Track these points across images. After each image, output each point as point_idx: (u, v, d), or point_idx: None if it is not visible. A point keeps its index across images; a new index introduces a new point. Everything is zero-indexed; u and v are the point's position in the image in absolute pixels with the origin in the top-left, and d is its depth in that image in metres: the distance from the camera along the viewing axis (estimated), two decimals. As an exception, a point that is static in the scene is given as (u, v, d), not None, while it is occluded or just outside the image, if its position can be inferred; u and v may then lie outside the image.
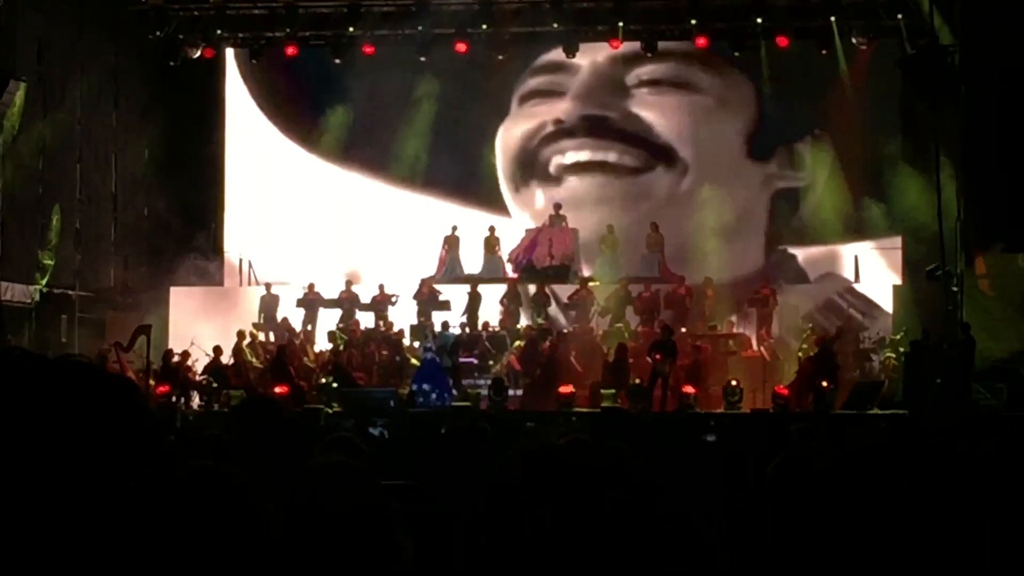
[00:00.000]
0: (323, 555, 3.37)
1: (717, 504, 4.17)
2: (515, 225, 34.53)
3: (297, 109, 35.03)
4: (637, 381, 27.48)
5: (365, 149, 34.64)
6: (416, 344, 30.32)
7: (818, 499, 3.69)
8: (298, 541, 3.21)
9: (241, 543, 2.67)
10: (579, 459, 1.96)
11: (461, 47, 32.31)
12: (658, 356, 27.43)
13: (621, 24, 31.50)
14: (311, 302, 32.14)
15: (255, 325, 31.49)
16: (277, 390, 26.66)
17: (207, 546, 2.55)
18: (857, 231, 32.23)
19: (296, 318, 32.00)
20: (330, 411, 25.59)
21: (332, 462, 3.74)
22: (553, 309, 31.55)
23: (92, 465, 1.69)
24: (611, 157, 34.95)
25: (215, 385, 28.02)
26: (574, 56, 32.72)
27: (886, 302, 31.28)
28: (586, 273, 32.84)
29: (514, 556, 1.88)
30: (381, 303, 31.65)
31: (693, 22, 31.33)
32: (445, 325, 30.17)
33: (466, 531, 1.96)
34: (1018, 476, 2.39)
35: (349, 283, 32.35)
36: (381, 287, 31.83)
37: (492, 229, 33.75)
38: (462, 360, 29.65)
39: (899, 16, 30.39)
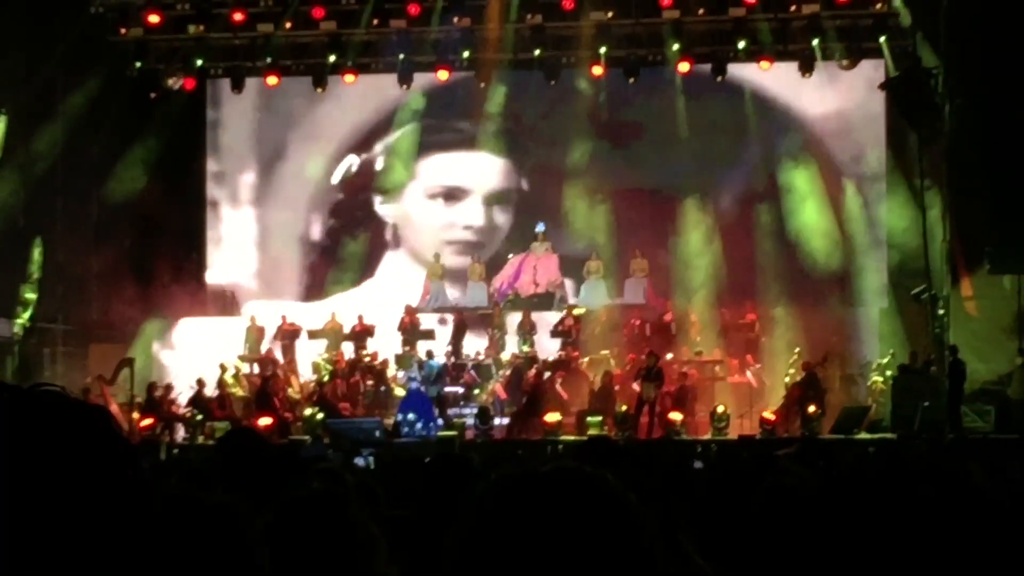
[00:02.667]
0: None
1: (704, 530, 4.10)
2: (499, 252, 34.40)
3: (279, 137, 34.89)
4: (623, 408, 27.48)
5: (351, 176, 34.63)
6: (400, 374, 30.25)
7: (805, 525, 3.65)
8: (282, 569, 3.18)
9: (222, 570, 2.63)
10: (562, 485, 1.96)
11: (443, 74, 32.32)
12: (644, 383, 27.42)
13: (604, 50, 31.49)
14: (288, 333, 32.03)
15: (240, 356, 31.40)
16: (261, 422, 26.57)
17: (187, 573, 2.53)
18: (842, 253, 32.08)
19: (279, 349, 31.90)
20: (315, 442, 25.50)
21: (316, 491, 3.72)
22: (538, 337, 31.47)
23: (65, 492, 1.66)
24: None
25: (199, 417, 27.94)
26: (555, 82, 32.57)
27: (873, 325, 31.23)
28: (572, 300, 32.77)
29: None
30: (361, 334, 31.58)
31: (676, 47, 31.33)
32: (430, 354, 30.12)
33: (450, 557, 1.96)
34: (1006, 499, 2.36)
35: (334, 313, 32.26)
36: (360, 317, 31.75)
37: (477, 257, 33.69)
38: (447, 389, 29.63)
39: (882, 39, 30.44)
